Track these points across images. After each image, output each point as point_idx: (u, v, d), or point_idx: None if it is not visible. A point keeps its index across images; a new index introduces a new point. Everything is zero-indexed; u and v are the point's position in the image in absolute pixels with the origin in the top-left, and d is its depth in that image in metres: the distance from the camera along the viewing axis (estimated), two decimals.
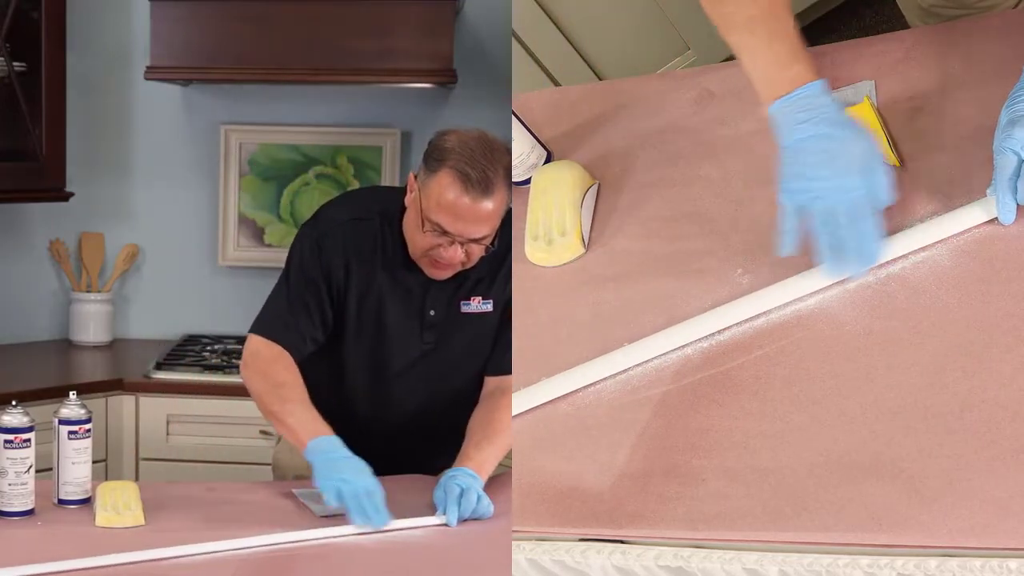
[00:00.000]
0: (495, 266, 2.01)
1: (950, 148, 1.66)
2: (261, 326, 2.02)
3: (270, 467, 2.25)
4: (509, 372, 2.03)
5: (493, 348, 2.08)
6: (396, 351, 2.04)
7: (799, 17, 3.40)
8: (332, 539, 1.78)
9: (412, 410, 2.09)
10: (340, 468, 1.83)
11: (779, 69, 1.60)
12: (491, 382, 2.08)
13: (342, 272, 1.99)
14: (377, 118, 3.29)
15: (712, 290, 1.70)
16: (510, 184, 1.91)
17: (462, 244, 1.90)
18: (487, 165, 1.86)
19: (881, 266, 1.59)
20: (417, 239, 1.93)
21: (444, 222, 1.88)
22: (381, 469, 2.01)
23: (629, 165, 1.96)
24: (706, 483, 1.51)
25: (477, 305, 2.02)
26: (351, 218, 2.02)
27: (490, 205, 1.87)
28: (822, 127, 1.56)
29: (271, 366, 1.98)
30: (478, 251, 1.93)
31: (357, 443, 2.10)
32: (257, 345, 2.01)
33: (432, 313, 2.02)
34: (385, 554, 1.75)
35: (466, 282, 2.01)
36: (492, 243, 1.93)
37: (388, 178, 3.26)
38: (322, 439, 1.87)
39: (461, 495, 1.84)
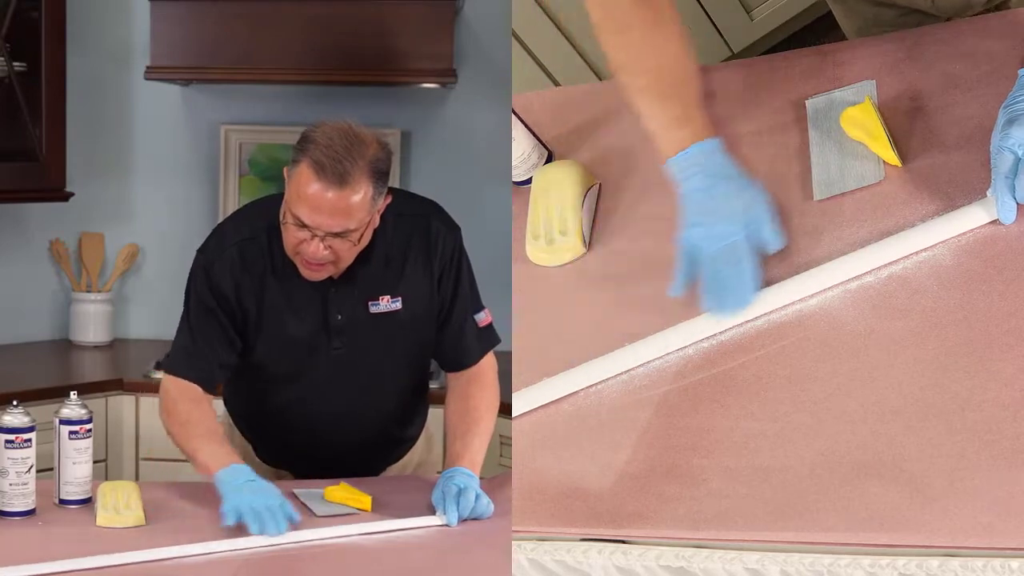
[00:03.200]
0: (398, 263, 1.98)
1: (950, 148, 1.66)
2: (168, 363, 2.00)
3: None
4: (471, 363, 2.06)
5: (439, 346, 2.06)
6: (306, 359, 2.00)
7: (800, 17, 3.40)
8: (332, 539, 1.77)
9: (340, 416, 2.05)
10: (242, 490, 1.80)
11: (672, 130, 1.71)
12: (453, 378, 2.08)
13: (233, 295, 1.95)
14: (377, 118, 3.28)
15: None
16: (378, 178, 1.84)
17: (322, 239, 1.84)
18: (345, 156, 1.80)
19: (882, 266, 1.59)
20: (285, 235, 1.89)
21: (302, 214, 1.83)
22: (325, 475, 2.02)
23: (630, 165, 1.96)
24: (707, 483, 1.51)
25: (386, 304, 1.98)
26: (238, 240, 1.97)
27: (346, 196, 1.81)
28: (708, 180, 1.67)
29: (177, 405, 1.96)
30: (344, 247, 1.86)
31: (298, 454, 2.10)
32: (167, 384, 1.98)
33: (339, 317, 1.97)
34: (385, 554, 1.75)
35: (371, 282, 1.97)
36: (359, 239, 1.86)
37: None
38: (229, 468, 1.84)
39: (459, 494, 1.84)
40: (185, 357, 1.98)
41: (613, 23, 1.76)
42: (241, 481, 1.82)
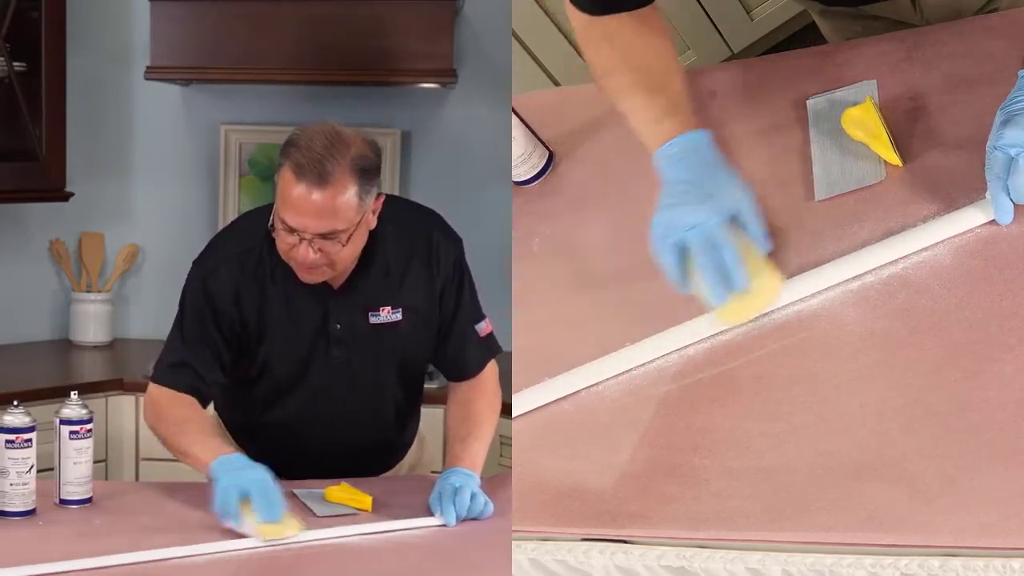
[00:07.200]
0: (399, 275, 1.97)
1: (951, 148, 1.66)
2: (160, 375, 1.97)
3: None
4: (473, 374, 2.06)
5: (442, 357, 2.06)
6: (304, 367, 1.99)
7: (800, 16, 3.40)
8: (332, 539, 1.77)
9: (337, 425, 2.05)
10: (241, 470, 1.78)
11: (657, 123, 1.68)
12: (454, 386, 2.08)
13: (233, 308, 1.94)
14: (377, 118, 3.28)
15: None
16: (363, 176, 1.82)
17: (311, 241, 1.82)
18: (325, 156, 1.78)
19: (883, 266, 1.59)
20: (277, 241, 1.87)
21: (288, 218, 1.81)
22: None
23: (630, 165, 1.96)
24: (708, 483, 1.51)
25: (386, 315, 1.97)
26: (235, 252, 1.96)
27: (329, 196, 1.78)
28: (693, 170, 1.62)
29: (170, 410, 1.94)
30: (335, 249, 1.84)
31: (295, 463, 2.08)
32: (156, 394, 1.96)
33: (338, 327, 1.96)
34: (385, 554, 1.75)
35: (371, 293, 1.96)
36: (348, 239, 1.83)
37: (388, 178, 3.26)
38: (223, 457, 1.82)
39: (455, 494, 1.83)
40: (176, 371, 1.96)
41: (598, 30, 1.77)
42: (238, 465, 1.80)
